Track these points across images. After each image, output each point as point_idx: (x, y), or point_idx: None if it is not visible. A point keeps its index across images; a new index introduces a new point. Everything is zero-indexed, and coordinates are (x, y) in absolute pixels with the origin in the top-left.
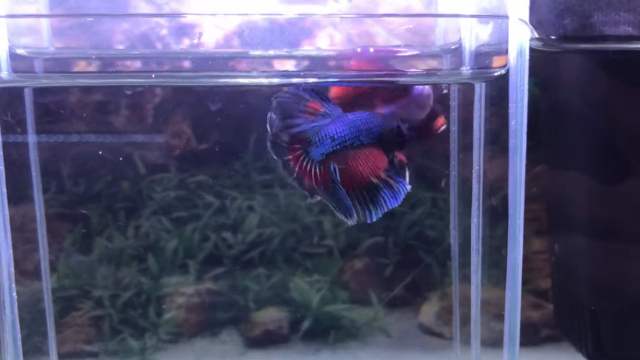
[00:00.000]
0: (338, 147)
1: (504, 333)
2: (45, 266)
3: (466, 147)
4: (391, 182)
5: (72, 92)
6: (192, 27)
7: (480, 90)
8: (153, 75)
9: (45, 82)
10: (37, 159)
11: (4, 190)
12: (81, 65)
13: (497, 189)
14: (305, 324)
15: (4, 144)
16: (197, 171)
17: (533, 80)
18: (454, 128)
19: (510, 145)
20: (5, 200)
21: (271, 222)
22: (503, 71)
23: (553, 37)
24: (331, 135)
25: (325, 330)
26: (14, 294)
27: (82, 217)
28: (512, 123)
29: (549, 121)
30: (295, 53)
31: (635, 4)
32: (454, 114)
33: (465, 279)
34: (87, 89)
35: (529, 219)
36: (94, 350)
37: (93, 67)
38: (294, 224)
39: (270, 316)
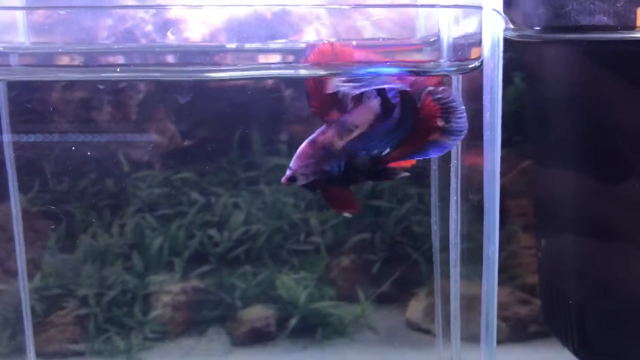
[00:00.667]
0: None
1: (481, 327)
2: (21, 264)
3: None
4: None
5: (54, 89)
6: (177, 22)
7: (457, 83)
8: (118, 69)
9: (19, 76)
10: (12, 156)
11: None
12: (64, 61)
13: (475, 184)
14: (292, 322)
15: None
16: (182, 168)
17: (520, 75)
18: None
19: (485, 137)
20: None
21: (257, 219)
22: (477, 63)
23: (529, 28)
24: None
25: (313, 328)
26: None
27: (66, 215)
28: (486, 115)
29: (534, 115)
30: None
31: None
32: None
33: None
34: (70, 86)
35: (517, 214)
36: (80, 349)
37: (76, 63)
38: (280, 220)
39: (257, 314)
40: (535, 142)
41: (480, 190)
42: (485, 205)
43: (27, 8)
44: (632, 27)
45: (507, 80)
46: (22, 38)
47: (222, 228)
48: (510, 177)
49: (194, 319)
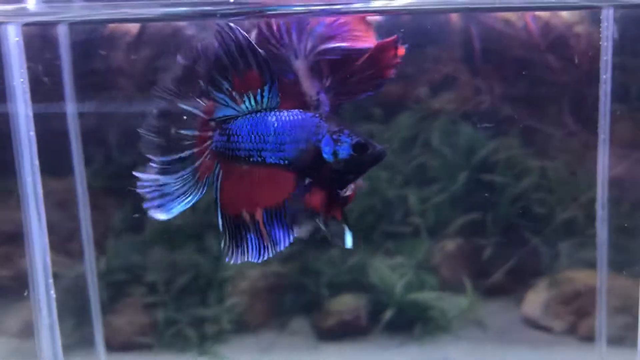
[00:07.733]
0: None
1: None
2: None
3: None
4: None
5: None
6: None
7: None
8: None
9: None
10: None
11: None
12: None
13: None
14: (387, 314)
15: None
16: None
17: None
18: None
19: None
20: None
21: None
22: None
23: None
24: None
25: (410, 322)
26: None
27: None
28: None
29: None
30: None
31: None
32: None
33: None
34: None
35: None
36: (147, 341)
37: None
38: (372, 198)
39: (347, 304)
40: None
41: None
42: None
43: None
44: None
45: None
46: None
47: None
48: None
49: (275, 309)
